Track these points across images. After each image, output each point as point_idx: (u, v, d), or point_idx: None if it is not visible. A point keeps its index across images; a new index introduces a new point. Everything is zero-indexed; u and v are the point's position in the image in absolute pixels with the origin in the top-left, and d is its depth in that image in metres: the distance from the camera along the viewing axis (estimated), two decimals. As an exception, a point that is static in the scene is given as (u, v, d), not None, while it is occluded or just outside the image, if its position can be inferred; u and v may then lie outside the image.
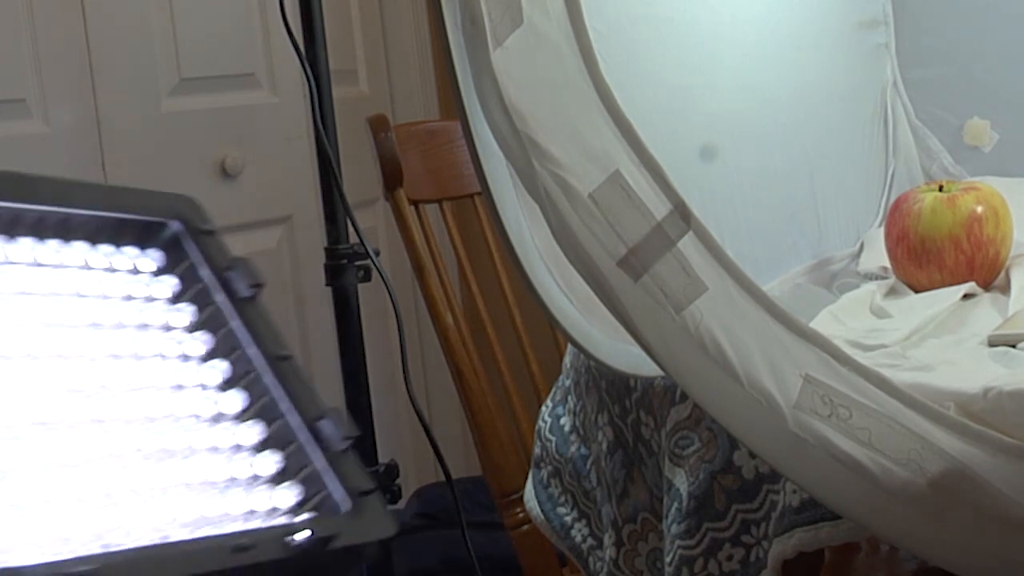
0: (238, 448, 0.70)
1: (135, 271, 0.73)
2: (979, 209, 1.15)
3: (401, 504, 1.89)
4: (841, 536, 0.86)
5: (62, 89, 1.77)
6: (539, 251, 0.95)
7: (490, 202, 0.89)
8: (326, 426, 0.70)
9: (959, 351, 0.99)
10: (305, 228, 2.10)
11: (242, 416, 0.72)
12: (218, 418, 0.71)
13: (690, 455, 0.97)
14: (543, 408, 1.22)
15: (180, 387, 0.70)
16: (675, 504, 0.98)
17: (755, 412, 0.76)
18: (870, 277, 1.26)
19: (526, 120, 0.79)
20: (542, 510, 1.18)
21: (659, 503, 1.04)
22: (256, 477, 0.70)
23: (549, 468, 1.19)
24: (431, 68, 2.46)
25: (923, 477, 0.74)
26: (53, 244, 0.68)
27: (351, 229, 1.55)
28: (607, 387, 1.08)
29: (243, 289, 0.74)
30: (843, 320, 1.09)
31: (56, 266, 0.68)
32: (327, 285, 1.59)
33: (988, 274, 1.16)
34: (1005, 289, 1.14)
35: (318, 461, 0.70)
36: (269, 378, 0.72)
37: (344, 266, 1.57)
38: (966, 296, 1.13)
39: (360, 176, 1.72)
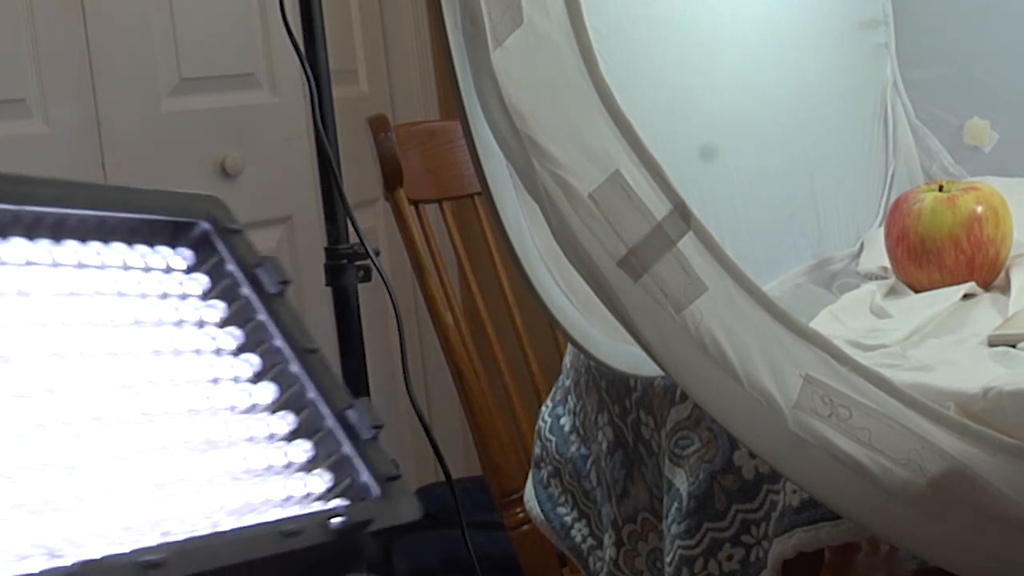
0: (272, 437, 0.73)
1: (168, 270, 0.76)
2: (979, 209, 1.15)
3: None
4: (841, 536, 0.86)
5: (62, 89, 1.77)
6: (539, 251, 0.95)
7: (490, 202, 0.89)
8: (353, 415, 0.74)
9: (959, 351, 0.99)
10: (305, 228, 2.10)
11: (274, 407, 0.75)
12: (252, 409, 0.74)
13: (690, 455, 0.97)
14: (543, 408, 1.22)
15: (216, 380, 0.73)
16: (675, 504, 0.98)
17: (755, 412, 0.76)
18: (870, 277, 1.26)
19: (526, 120, 0.79)
20: (542, 510, 1.18)
21: (659, 503, 1.04)
22: (290, 464, 0.73)
23: (549, 468, 1.19)
24: (431, 68, 2.46)
25: (923, 477, 0.74)
26: (95, 246, 0.71)
27: (351, 229, 1.55)
28: (607, 387, 1.08)
29: (271, 285, 0.77)
30: (843, 320, 1.10)
31: (99, 267, 0.71)
32: (327, 285, 1.59)
33: (988, 274, 1.16)
34: (1005, 289, 1.14)
35: (347, 449, 0.73)
36: (298, 370, 0.75)
37: (344, 266, 1.57)
38: (966, 296, 1.13)
39: (360, 176, 1.72)
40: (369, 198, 2.09)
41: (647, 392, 1.03)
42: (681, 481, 0.98)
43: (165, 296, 0.74)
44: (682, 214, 0.77)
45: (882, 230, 1.24)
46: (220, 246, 0.77)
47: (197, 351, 0.74)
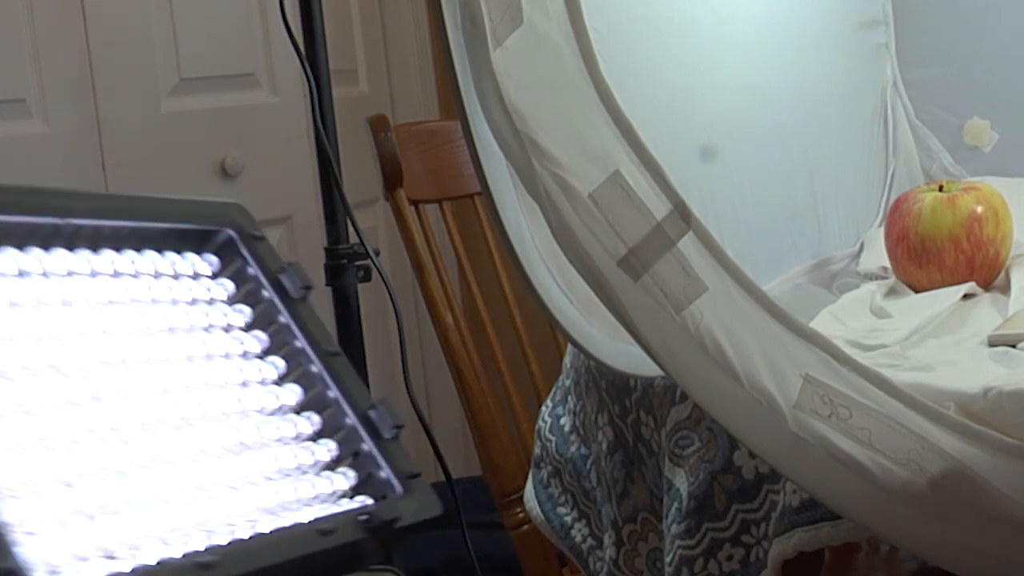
0: (299, 437, 0.76)
1: (196, 275, 0.78)
2: (979, 209, 1.15)
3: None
4: (841, 536, 0.86)
5: (62, 89, 1.77)
6: (539, 251, 0.95)
7: (490, 202, 0.89)
8: (375, 415, 0.76)
9: (959, 351, 0.99)
10: (305, 228, 2.10)
11: (299, 407, 0.77)
12: (279, 410, 0.77)
13: (690, 455, 0.97)
14: (543, 408, 1.22)
15: (245, 383, 0.76)
16: (675, 504, 0.98)
17: (755, 412, 0.76)
18: (870, 277, 1.26)
19: (526, 120, 0.79)
20: (542, 510, 1.18)
21: (659, 503, 1.04)
22: (317, 463, 0.76)
23: (549, 468, 1.19)
24: (431, 68, 2.46)
25: (923, 477, 0.74)
26: (129, 254, 0.74)
27: (351, 229, 1.55)
28: (607, 387, 1.08)
29: (295, 290, 0.79)
30: (843, 320, 1.10)
31: (133, 275, 0.74)
32: (327, 285, 1.59)
33: (988, 274, 1.16)
34: (1005, 289, 1.14)
35: (370, 447, 0.76)
36: (321, 372, 0.78)
37: (344, 266, 1.57)
38: (966, 296, 1.13)
39: (360, 176, 1.72)
40: (369, 198, 2.09)
41: (647, 392, 1.03)
42: (681, 481, 0.98)
43: (194, 302, 0.77)
44: (682, 214, 0.77)
45: (882, 230, 1.24)
46: (244, 252, 0.80)
47: (226, 355, 0.76)
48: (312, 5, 1.54)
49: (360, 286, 1.59)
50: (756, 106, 1.27)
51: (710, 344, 0.76)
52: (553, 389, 1.23)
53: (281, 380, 0.78)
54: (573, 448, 1.16)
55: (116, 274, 0.73)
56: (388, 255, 2.07)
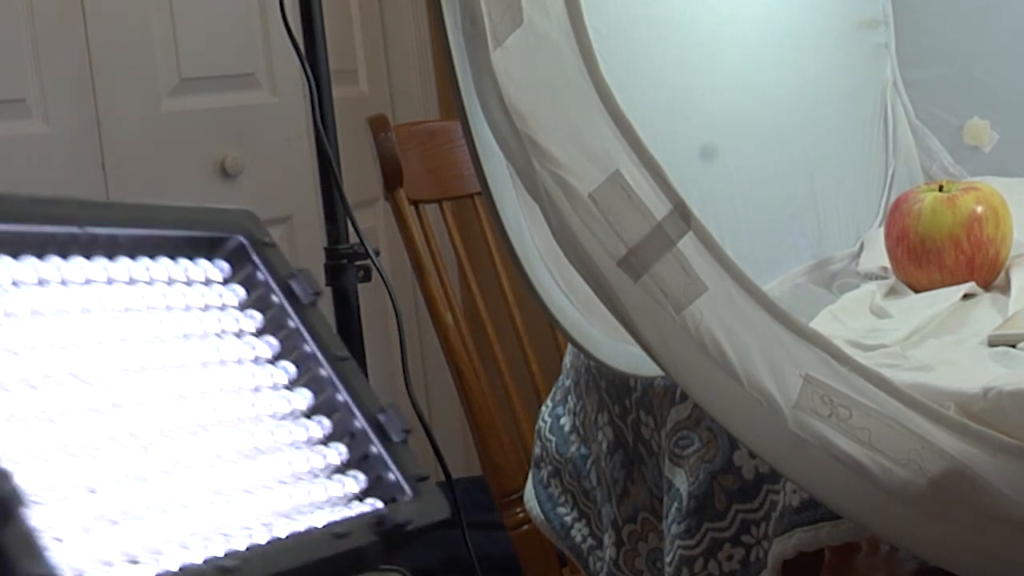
0: (311, 442, 0.78)
1: (208, 282, 0.80)
2: (979, 209, 1.15)
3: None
4: (841, 536, 0.86)
5: (62, 89, 1.77)
6: (539, 251, 0.95)
7: (490, 202, 0.89)
8: (384, 419, 0.78)
9: (959, 351, 0.99)
10: (305, 228, 2.10)
11: (309, 411, 0.79)
12: (291, 415, 0.78)
13: (690, 455, 0.97)
14: (543, 408, 1.22)
15: (258, 388, 0.77)
16: (675, 504, 0.98)
17: (755, 412, 0.76)
18: (870, 277, 1.26)
19: (526, 120, 0.79)
20: (542, 510, 1.18)
21: (659, 503, 1.04)
22: (328, 467, 0.77)
23: (549, 468, 1.19)
24: (431, 68, 2.46)
25: (923, 477, 0.74)
26: (144, 261, 0.76)
27: (351, 229, 1.55)
28: (607, 387, 1.08)
29: (305, 296, 0.81)
30: (843, 320, 1.10)
31: (147, 282, 0.75)
32: (327, 285, 1.59)
33: (988, 274, 1.16)
34: (1005, 289, 1.14)
35: (379, 451, 0.77)
36: (331, 376, 0.79)
37: (344, 266, 1.57)
38: (966, 296, 1.13)
39: (360, 176, 1.72)
40: (369, 198, 2.09)
41: (647, 392, 1.03)
42: (681, 481, 0.98)
43: (207, 308, 0.78)
44: (682, 214, 0.77)
45: (882, 230, 1.24)
46: (255, 258, 0.81)
47: (239, 360, 0.78)
48: (312, 5, 1.54)
49: (360, 286, 1.59)
50: (756, 106, 1.27)
51: (710, 344, 0.76)
52: (553, 389, 1.23)
53: (292, 385, 0.79)
54: (573, 448, 1.16)
55: (131, 281, 0.74)
56: (388, 255, 2.07)
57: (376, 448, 0.78)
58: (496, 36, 0.80)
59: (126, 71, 1.87)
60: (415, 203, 1.52)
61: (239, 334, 0.79)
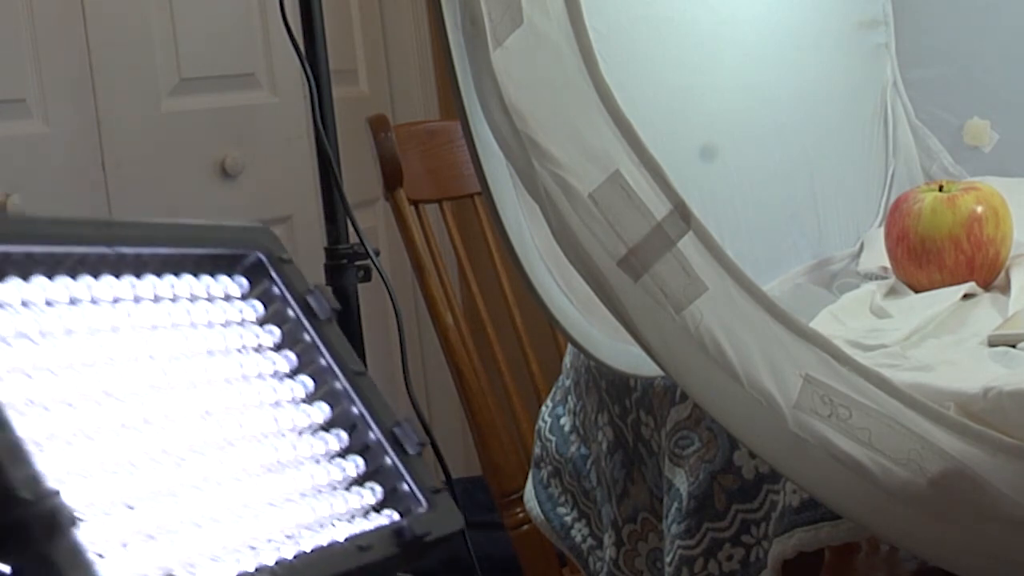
0: (329, 455, 0.80)
1: (228, 297, 0.82)
2: (979, 209, 1.15)
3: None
4: (841, 536, 0.86)
5: (62, 89, 1.77)
6: (539, 251, 0.95)
7: (490, 202, 0.89)
8: (400, 432, 0.80)
9: (959, 351, 0.99)
10: (305, 228, 2.10)
11: (327, 425, 0.81)
12: (310, 428, 0.81)
13: (690, 455, 0.97)
14: (543, 408, 1.22)
15: (278, 403, 0.80)
16: (675, 504, 0.98)
17: (755, 412, 0.76)
18: (870, 277, 1.26)
19: (526, 120, 0.79)
20: (542, 510, 1.18)
21: (659, 503, 1.04)
22: (346, 479, 0.79)
23: (549, 468, 1.19)
24: (431, 68, 2.46)
25: (923, 477, 0.74)
26: (168, 279, 0.78)
27: (351, 229, 1.55)
28: (607, 387, 1.08)
29: (322, 312, 0.83)
30: (843, 320, 1.10)
31: (172, 299, 0.78)
32: (327, 285, 1.59)
33: (988, 274, 1.16)
34: (1005, 289, 1.14)
35: (395, 463, 0.80)
36: (347, 389, 0.82)
37: (344, 266, 1.57)
38: (966, 296, 1.13)
39: (360, 176, 1.72)
40: (369, 198, 2.09)
41: (647, 392, 1.03)
42: (681, 481, 0.98)
43: (228, 324, 0.81)
44: (682, 214, 0.77)
45: (882, 230, 1.24)
46: (272, 274, 0.84)
47: (259, 375, 0.80)
48: (312, 5, 1.54)
49: (360, 286, 1.59)
50: (756, 106, 1.27)
51: (710, 344, 0.76)
52: (553, 389, 1.23)
53: (310, 398, 0.82)
54: (573, 448, 1.16)
55: (157, 299, 0.77)
56: (388, 255, 2.07)
57: (391, 460, 0.80)
58: (496, 36, 0.80)
59: (126, 71, 1.87)
60: (415, 203, 1.52)
61: (258, 348, 0.81)
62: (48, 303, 0.70)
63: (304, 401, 0.82)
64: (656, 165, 0.77)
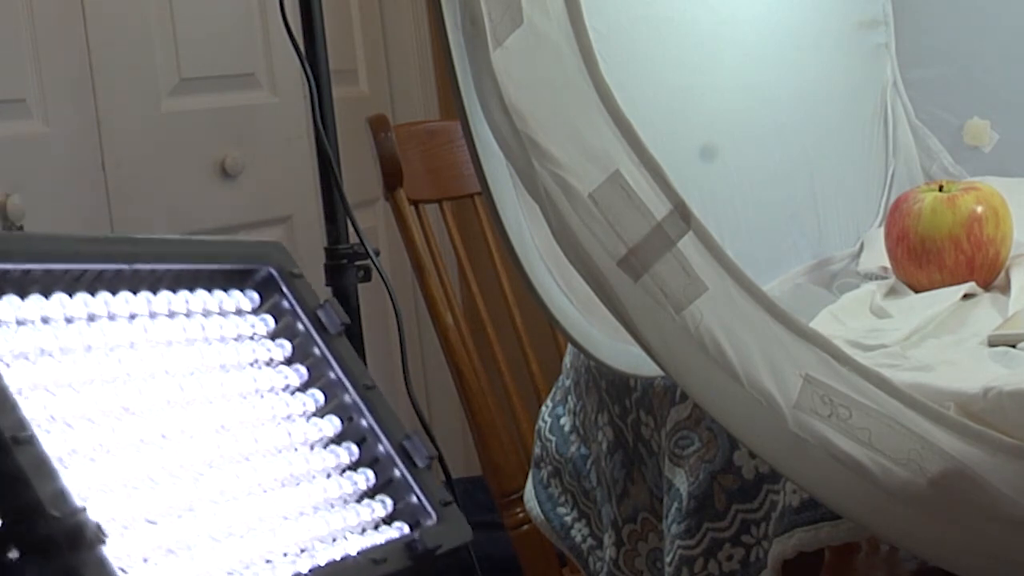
0: (339, 468, 0.81)
1: (239, 312, 0.84)
2: (979, 209, 1.15)
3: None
4: (841, 536, 0.86)
5: (62, 89, 1.77)
6: (539, 251, 0.95)
7: (490, 202, 0.89)
8: (410, 445, 0.82)
9: (959, 351, 0.99)
10: (305, 228, 2.10)
11: (338, 438, 0.82)
12: (321, 442, 0.82)
13: (690, 455, 0.97)
14: (543, 408, 1.22)
15: (290, 417, 0.81)
16: (675, 504, 0.98)
17: (755, 412, 0.76)
18: (870, 277, 1.26)
19: (526, 120, 0.79)
20: (542, 510, 1.18)
21: (659, 503, 1.04)
22: (357, 492, 0.81)
23: (549, 468, 1.19)
24: (431, 68, 2.46)
25: (923, 477, 0.74)
26: (183, 294, 0.80)
27: (351, 229, 1.55)
28: (607, 387, 1.08)
29: (333, 326, 0.84)
30: (843, 320, 1.10)
31: (186, 314, 0.80)
32: (327, 285, 1.58)
33: (988, 274, 1.16)
34: (1005, 289, 1.14)
35: (406, 476, 0.81)
36: (357, 403, 0.83)
37: (344, 266, 1.57)
38: (966, 296, 1.13)
39: (360, 176, 1.72)
40: (369, 198, 2.09)
41: (647, 392, 1.03)
42: (681, 481, 0.98)
43: (240, 338, 0.82)
44: (682, 214, 0.77)
45: (882, 230, 1.24)
46: (283, 288, 0.85)
47: (272, 389, 0.81)
48: (312, 5, 1.54)
49: (360, 286, 1.59)
50: (756, 106, 1.27)
51: (710, 344, 0.76)
52: (553, 389, 1.23)
53: (320, 412, 0.83)
54: (573, 448, 1.16)
55: (172, 314, 0.78)
56: (388, 255, 2.07)
57: (401, 473, 0.81)
58: (496, 36, 0.80)
59: (126, 71, 1.87)
60: (415, 203, 1.52)
61: (270, 362, 0.83)
62: (68, 320, 0.71)
63: (315, 415, 0.82)
64: (656, 165, 0.77)
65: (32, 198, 1.67)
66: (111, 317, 0.74)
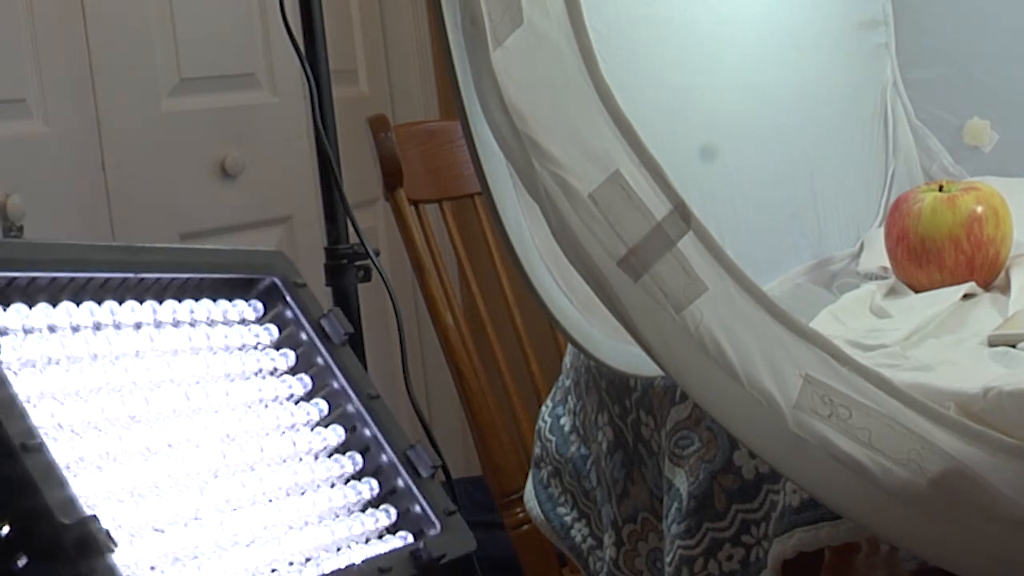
0: (344, 478, 0.81)
1: (244, 321, 0.85)
2: (979, 209, 1.15)
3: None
4: (841, 536, 0.86)
5: (62, 89, 1.77)
6: (539, 251, 0.95)
7: (490, 202, 0.89)
8: (414, 455, 0.82)
9: (959, 351, 0.99)
10: (305, 228, 2.10)
11: (342, 447, 0.83)
12: (325, 451, 0.82)
13: (690, 455, 0.97)
14: (543, 408, 1.22)
15: (295, 427, 0.81)
16: (675, 504, 0.98)
17: (755, 412, 0.76)
18: (870, 277, 1.26)
19: (526, 120, 0.79)
20: (542, 510, 1.18)
21: (659, 503, 1.04)
22: (361, 501, 0.81)
23: (549, 468, 1.19)
24: (431, 68, 2.46)
25: (923, 477, 0.74)
26: (188, 303, 0.81)
27: (351, 229, 1.55)
28: (607, 387, 1.08)
29: (336, 336, 0.85)
30: (843, 320, 1.10)
31: (191, 323, 0.80)
32: (327, 285, 1.59)
33: (988, 274, 1.16)
34: (1005, 289, 1.14)
35: (410, 486, 0.82)
36: (362, 414, 0.83)
37: (344, 266, 1.57)
38: (966, 296, 1.13)
39: (360, 176, 1.72)
40: (369, 198, 2.09)
41: (647, 392, 1.03)
42: (681, 481, 0.98)
43: (244, 347, 0.83)
44: (682, 214, 0.77)
45: (882, 230, 1.24)
46: (287, 298, 0.85)
47: (276, 399, 0.82)
48: (312, 5, 1.54)
49: (360, 286, 1.59)
50: (756, 106, 1.27)
51: (710, 344, 0.76)
52: (553, 389, 1.23)
53: (324, 421, 0.83)
54: (573, 448, 1.16)
55: (177, 323, 0.79)
56: (388, 255, 2.07)
57: (405, 482, 0.82)
58: (496, 36, 0.80)
59: (126, 71, 1.87)
60: (415, 203, 1.52)
61: (274, 372, 0.83)
62: (74, 328, 0.72)
63: (319, 424, 0.83)
64: (656, 165, 0.77)
65: (32, 198, 1.67)
66: (117, 326, 0.74)
